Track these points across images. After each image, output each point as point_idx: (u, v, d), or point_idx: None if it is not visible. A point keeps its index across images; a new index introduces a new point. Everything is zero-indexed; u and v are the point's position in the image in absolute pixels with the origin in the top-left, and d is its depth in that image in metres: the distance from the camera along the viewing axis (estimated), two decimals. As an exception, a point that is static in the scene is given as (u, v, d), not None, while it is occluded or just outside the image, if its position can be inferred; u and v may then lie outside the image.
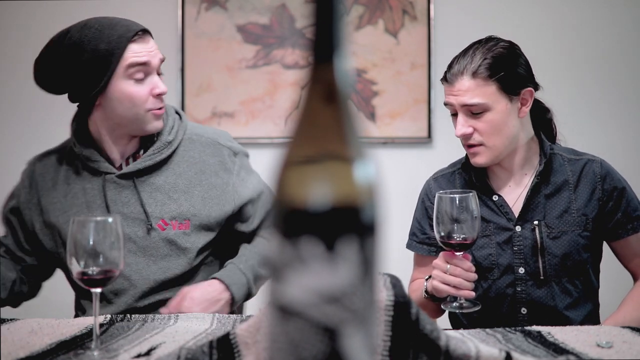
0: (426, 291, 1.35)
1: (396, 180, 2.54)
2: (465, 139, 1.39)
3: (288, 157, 0.44)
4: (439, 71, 2.67)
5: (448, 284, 1.24)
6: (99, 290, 1.02)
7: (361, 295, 0.42)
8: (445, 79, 1.40)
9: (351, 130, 0.44)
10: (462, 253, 1.24)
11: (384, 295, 0.85)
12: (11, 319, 1.21)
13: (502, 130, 1.37)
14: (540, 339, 1.06)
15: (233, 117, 2.68)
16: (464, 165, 1.50)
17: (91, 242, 1.00)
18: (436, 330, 0.85)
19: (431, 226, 1.49)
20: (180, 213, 1.46)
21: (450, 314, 1.50)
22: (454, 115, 1.41)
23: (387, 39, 2.69)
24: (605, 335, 1.08)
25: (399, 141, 2.69)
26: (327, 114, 0.44)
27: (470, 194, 1.22)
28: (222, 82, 2.68)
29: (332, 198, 0.42)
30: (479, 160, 1.40)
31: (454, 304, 1.25)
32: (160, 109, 1.43)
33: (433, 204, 1.49)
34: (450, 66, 1.40)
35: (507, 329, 1.14)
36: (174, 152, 1.48)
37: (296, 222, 0.42)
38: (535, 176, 1.42)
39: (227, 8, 2.67)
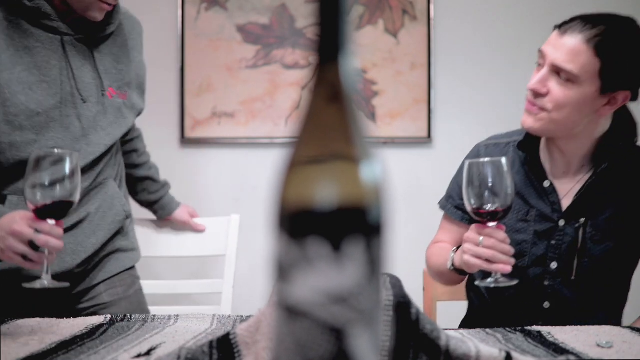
0: (453, 265, 1.28)
1: (396, 180, 2.54)
2: (535, 95, 1.24)
3: (293, 157, 0.44)
4: (439, 71, 2.69)
5: (480, 257, 1.13)
6: (52, 222, 1.08)
7: (368, 295, 0.42)
8: (559, 26, 1.25)
9: (357, 130, 0.44)
10: (495, 224, 1.13)
11: (384, 296, 0.85)
12: (11, 319, 1.21)
13: (571, 112, 1.22)
14: (540, 339, 1.06)
15: (233, 117, 2.68)
16: (522, 143, 1.35)
17: (48, 178, 1.06)
18: (436, 330, 0.85)
19: None
20: (124, 84, 1.48)
21: (469, 289, 1.44)
22: (539, 65, 1.26)
23: (387, 39, 2.69)
24: (605, 335, 1.08)
25: (399, 141, 2.69)
26: (332, 114, 0.44)
27: (502, 159, 1.12)
28: (222, 82, 2.68)
29: (339, 198, 0.42)
30: (532, 123, 1.26)
31: (489, 280, 1.15)
32: (110, 5, 1.36)
33: None
34: (572, 19, 1.25)
35: (507, 329, 1.14)
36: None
37: (302, 222, 0.42)
38: (595, 173, 1.30)
39: (227, 8, 2.67)
